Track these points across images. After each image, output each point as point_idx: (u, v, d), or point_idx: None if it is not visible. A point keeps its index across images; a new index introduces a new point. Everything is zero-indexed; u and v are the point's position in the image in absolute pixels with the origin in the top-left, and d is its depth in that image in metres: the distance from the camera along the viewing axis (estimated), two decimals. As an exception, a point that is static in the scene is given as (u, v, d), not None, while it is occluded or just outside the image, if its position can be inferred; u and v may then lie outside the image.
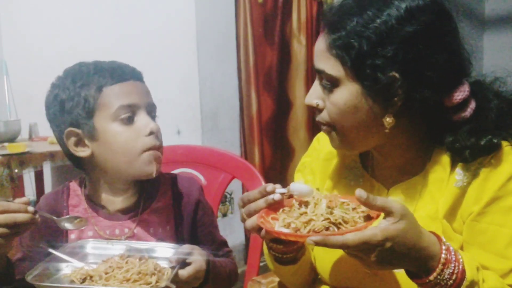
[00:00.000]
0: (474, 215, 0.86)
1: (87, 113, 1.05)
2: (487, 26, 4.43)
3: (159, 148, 1.07)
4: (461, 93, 0.86)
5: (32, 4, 3.47)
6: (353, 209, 0.79)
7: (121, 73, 1.06)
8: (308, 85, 3.19)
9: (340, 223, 0.75)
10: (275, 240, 0.91)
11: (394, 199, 0.93)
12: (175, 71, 2.83)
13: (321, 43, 0.88)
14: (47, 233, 1.09)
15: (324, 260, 1.01)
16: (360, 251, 0.73)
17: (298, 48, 3.17)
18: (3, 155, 2.45)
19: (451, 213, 0.88)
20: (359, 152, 0.99)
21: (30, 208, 0.91)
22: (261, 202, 0.84)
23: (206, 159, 1.54)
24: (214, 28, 2.87)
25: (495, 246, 0.84)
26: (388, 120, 0.85)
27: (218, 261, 1.11)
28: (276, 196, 0.83)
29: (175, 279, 0.93)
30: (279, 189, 0.84)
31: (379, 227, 0.72)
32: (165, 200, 1.15)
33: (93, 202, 1.11)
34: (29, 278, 0.90)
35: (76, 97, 1.05)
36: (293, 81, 3.20)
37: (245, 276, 1.38)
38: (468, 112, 0.87)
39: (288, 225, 0.78)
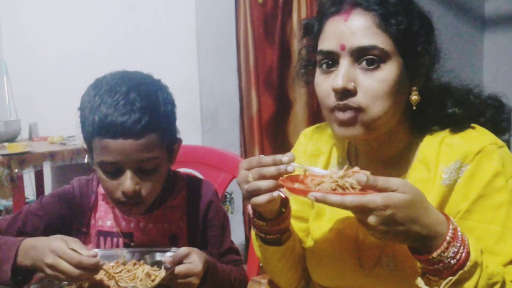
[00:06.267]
0: (462, 213, 0.87)
1: (88, 143, 1.06)
2: (487, 26, 4.42)
3: (134, 204, 1.05)
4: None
5: (32, 4, 3.47)
6: None
7: (113, 129, 0.99)
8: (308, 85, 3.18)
9: (347, 188, 0.77)
10: (259, 216, 0.93)
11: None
12: (175, 71, 2.83)
13: (362, 20, 0.86)
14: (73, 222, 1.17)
15: (315, 263, 1.01)
16: (362, 214, 0.74)
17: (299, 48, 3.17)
18: (3, 155, 2.45)
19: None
20: (372, 137, 0.93)
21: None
22: (272, 169, 0.82)
23: (206, 159, 1.55)
24: (214, 28, 2.86)
25: (484, 244, 0.84)
26: (415, 97, 0.90)
27: (221, 266, 1.11)
28: (290, 168, 0.82)
29: (167, 279, 0.95)
30: (294, 163, 0.84)
31: (382, 194, 0.73)
32: (179, 198, 1.18)
33: None
34: None
35: (86, 120, 1.04)
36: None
37: (245, 276, 1.38)
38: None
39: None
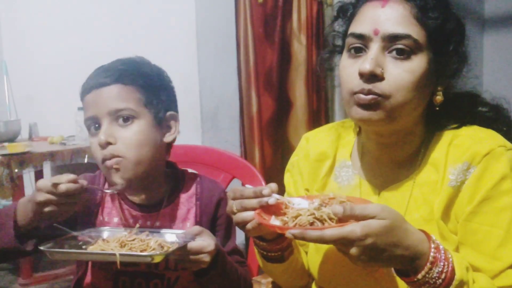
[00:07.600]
0: (466, 214, 0.86)
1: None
2: (487, 26, 4.43)
3: (112, 157, 1.04)
4: None
5: (32, 4, 3.47)
6: None
7: (86, 86, 1.08)
8: (308, 85, 3.19)
9: (325, 220, 0.76)
10: (259, 237, 0.93)
11: (378, 201, 0.94)
12: (175, 71, 2.82)
13: (399, 9, 0.85)
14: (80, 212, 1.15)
15: (316, 262, 1.01)
16: (343, 246, 0.73)
17: (298, 48, 3.17)
18: (3, 155, 2.46)
19: (446, 213, 0.89)
20: (389, 131, 0.92)
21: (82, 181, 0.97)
22: (254, 202, 0.83)
23: (206, 159, 1.54)
24: (214, 28, 2.87)
25: (486, 247, 0.84)
26: (439, 97, 0.90)
27: (230, 259, 1.12)
28: (271, 200, 0.83)
29: (179, 254, 0.97)
30: (276, 194, 0.84)
31: (360, 223, 0.72)
32: (187, 197, 1.18)
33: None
34: (42, 248, 0.96)
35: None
36: (293, 81, 3.20)
37: (245, 276, 1.38)
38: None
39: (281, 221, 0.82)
